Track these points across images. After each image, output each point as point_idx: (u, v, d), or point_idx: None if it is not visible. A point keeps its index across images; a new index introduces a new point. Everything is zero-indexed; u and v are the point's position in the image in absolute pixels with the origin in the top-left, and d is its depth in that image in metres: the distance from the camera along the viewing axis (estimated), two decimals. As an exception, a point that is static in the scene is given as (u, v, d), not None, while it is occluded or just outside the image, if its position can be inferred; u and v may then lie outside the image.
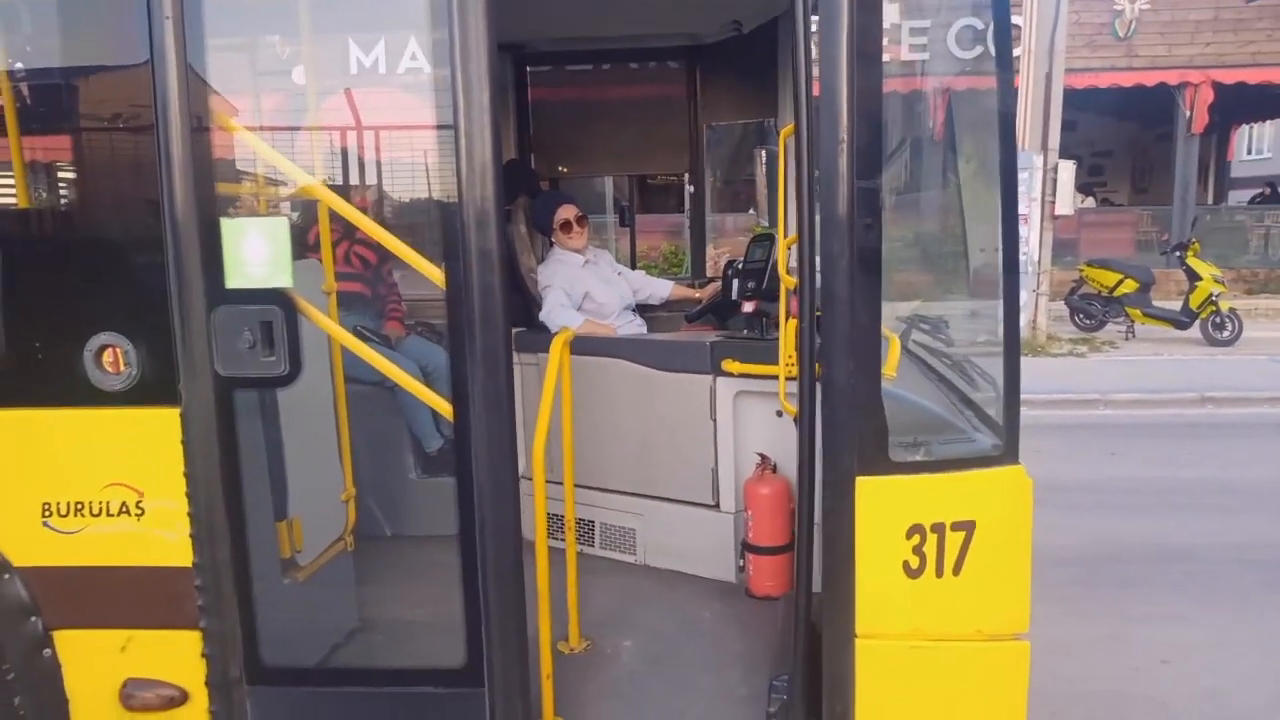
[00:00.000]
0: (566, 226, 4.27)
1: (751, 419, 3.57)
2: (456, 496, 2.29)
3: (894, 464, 2.22)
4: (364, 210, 2.31)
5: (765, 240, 3.74)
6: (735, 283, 3.74)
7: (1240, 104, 18.91)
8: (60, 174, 2.39)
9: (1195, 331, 12.69)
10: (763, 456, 3.47)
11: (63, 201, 2.39)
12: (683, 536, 3.73)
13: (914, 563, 2.23)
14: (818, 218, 2.18)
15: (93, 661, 2.48)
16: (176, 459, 2.33)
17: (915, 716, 2.35)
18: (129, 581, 2.43)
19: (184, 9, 2.19)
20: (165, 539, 2.37)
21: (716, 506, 3.66)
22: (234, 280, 2.27)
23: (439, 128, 2.20)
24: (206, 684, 2.43)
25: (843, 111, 2.11)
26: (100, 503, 2.38)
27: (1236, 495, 6.52)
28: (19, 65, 2.48)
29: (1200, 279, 12.56)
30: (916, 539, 2.23)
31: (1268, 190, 21.23)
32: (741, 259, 3.84)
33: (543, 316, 4.08)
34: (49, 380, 2.40)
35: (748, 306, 3.57)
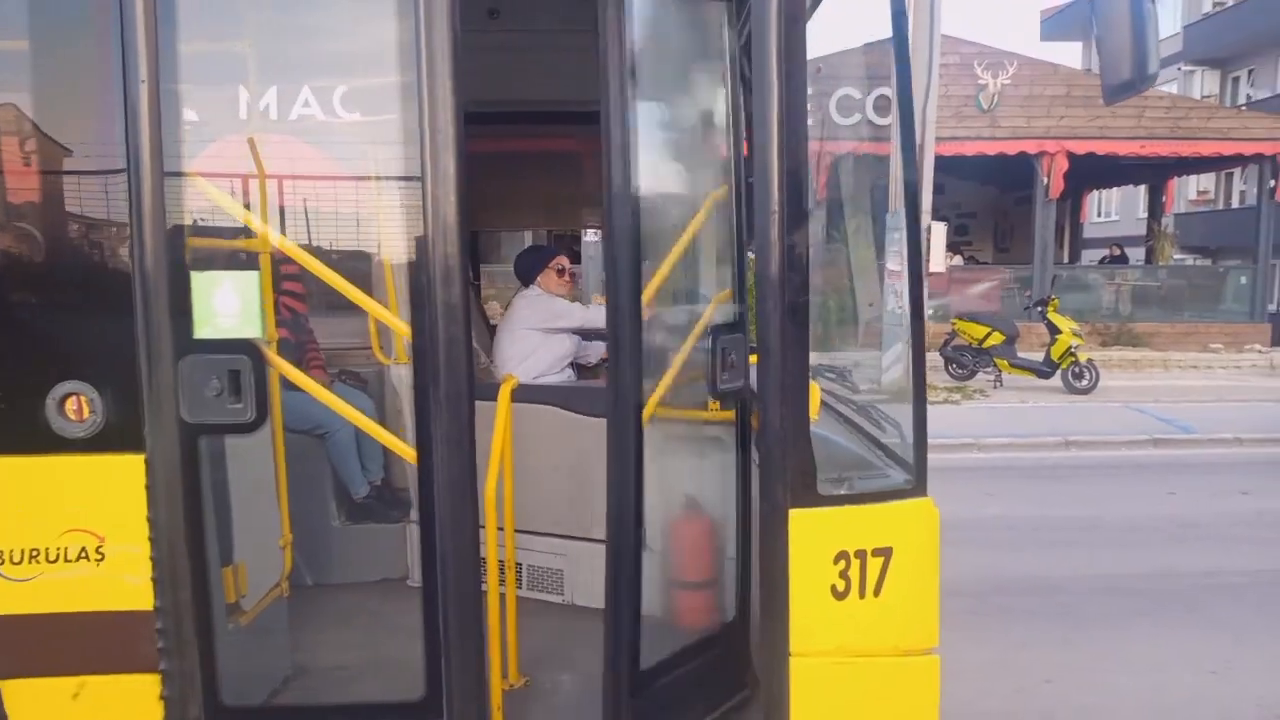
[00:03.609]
0: (562, 271, 4.55)
1: (676, 459, 3.77)
2: (420, 536, 2.42)
3: (821, 497, 2.47)
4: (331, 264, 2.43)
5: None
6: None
7: (1091, 172, 20.60)
8: (28, 221, 2.42)
9: (1057, 381, 13.68)
10: (687, 496, 3.68)
11: (31, 249, 2.42)
12: (610, 575, 3.88)
13: (840, 586, 2.48)
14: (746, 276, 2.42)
15: (41, 711, 2.46)
16: (140, 504, 2.38)
17: (843, 727, 2.57)
18: (84, 627, 2.43)
19: (159, 69, 2.29)
20: (125, 583, 2.40)
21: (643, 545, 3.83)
22: (203, 331, 2.35)
23: (404, 179, 2.36)
24: None
25: (774, 183, 2.36)
26: (57, 549, 2.40)
27: (1100, 531, 7.09)
28: None
29: (1060, 332, 13.59)
30: (842, 564, 2.48)
31: (1116, 250, 22.99)
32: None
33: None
34: (7, 428, 2.41)
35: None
